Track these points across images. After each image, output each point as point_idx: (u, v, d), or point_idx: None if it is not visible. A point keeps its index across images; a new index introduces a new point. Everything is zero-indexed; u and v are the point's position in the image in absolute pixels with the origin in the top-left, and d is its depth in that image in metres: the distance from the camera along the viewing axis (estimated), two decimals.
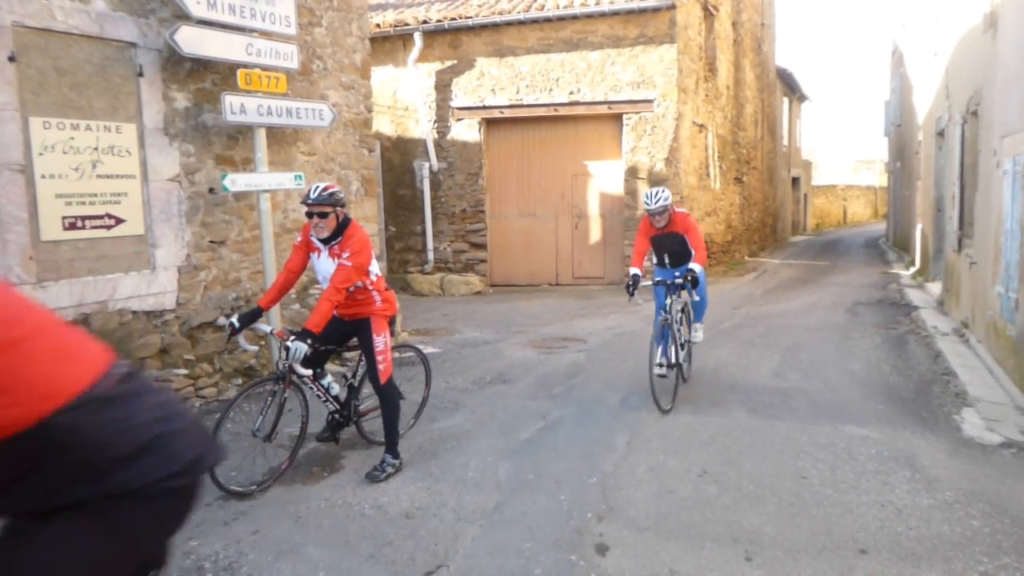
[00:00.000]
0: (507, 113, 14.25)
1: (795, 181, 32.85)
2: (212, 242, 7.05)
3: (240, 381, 7.19)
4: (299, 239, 4.84)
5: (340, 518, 4.32)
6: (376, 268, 4.83)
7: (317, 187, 4.55)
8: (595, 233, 14.46)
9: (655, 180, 13.73)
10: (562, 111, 14.05)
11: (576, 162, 14.38)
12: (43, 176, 5.77)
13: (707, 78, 16.23)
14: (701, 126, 15.67)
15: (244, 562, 3.81)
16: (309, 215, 4.57)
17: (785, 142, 29.25)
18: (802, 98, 32.68)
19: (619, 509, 4.40)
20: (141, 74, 6.41)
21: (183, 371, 6.72)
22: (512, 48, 14.13)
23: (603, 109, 13.91)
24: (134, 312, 6.41)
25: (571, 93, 13.95)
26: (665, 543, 3.96)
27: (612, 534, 4.08)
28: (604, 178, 14.30)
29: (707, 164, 16.39)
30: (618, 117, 13.97)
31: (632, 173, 13.93)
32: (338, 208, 4.57)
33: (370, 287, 4.79)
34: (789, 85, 29.12)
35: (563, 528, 4.16)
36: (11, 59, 5.54)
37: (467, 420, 6.10)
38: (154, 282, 6.56)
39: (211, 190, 6.98)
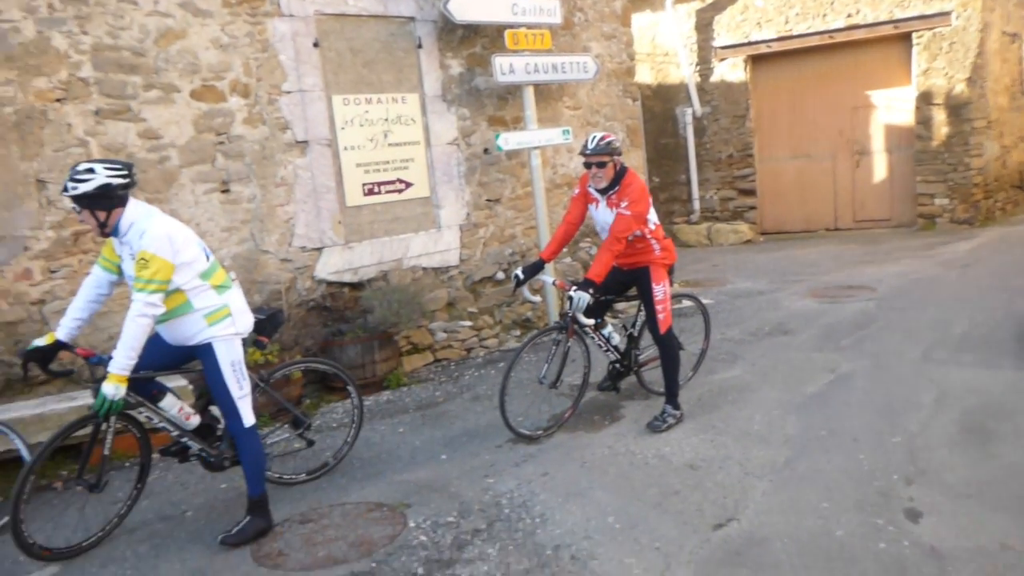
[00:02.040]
0: (775, 47, 13.22)
1: None
2: (488, 200, 7.42)
3: (518, 332, 7.55)
4: (577, 191, 4.89)
5: (624, 466, 4.37)
6: (654, 216, 4.74)
7: (594, 137, 4.55)
8: (880, 171, 13.03)
9: (954, 104, 12.01)
10: (838, 38, 12.72)
11: (856, 93, 12.99)
12: (345, 148, 6.43)
13: None
14: (1014, 35, 13.37)
15: (536, 501, 4.00)
16: (587, 165, 4.58)
17: None
18: None
19: (931, 472, 3.95)
20: (420, 46, 6.85)
21: (468, 323, 7.19)
22: None
23: (888, 30, 12.36)
24: (424, 269, 6.97)
25: (848, 16, 12.58)
26: (993, 514, 3.49)
27: (925, 499, 3.67)
28: (890, 108, 12.78)
29: (1021, 80, 14.00)
30: (906, 37, 12.34)
31: (925, 99, 12.29)
32: (615, 157, 4.53)
33: (648, 235, 4.72)
34: None
35: (865, 489, 3.83)
36: (315, 45, 6.20)
37: (747, 372, 5.85)
38: (440, 240, 7.06)
39: (486, 150, 7.32)
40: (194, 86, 5.62)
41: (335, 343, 6.16)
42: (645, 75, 14.31)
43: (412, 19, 6.81)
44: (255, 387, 4.04)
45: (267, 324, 4.17)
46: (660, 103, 14.39)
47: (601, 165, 4.53)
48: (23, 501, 3.49)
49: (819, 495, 3.81)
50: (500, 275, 7.47)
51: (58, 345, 3.73)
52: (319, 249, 6.29)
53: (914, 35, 12.21)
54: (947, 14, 11.84)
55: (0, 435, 4.34)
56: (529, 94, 7.23)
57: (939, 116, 12.19)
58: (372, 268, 6.61)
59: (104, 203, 3.48)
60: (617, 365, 5.17)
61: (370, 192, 6.61)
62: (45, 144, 5.05)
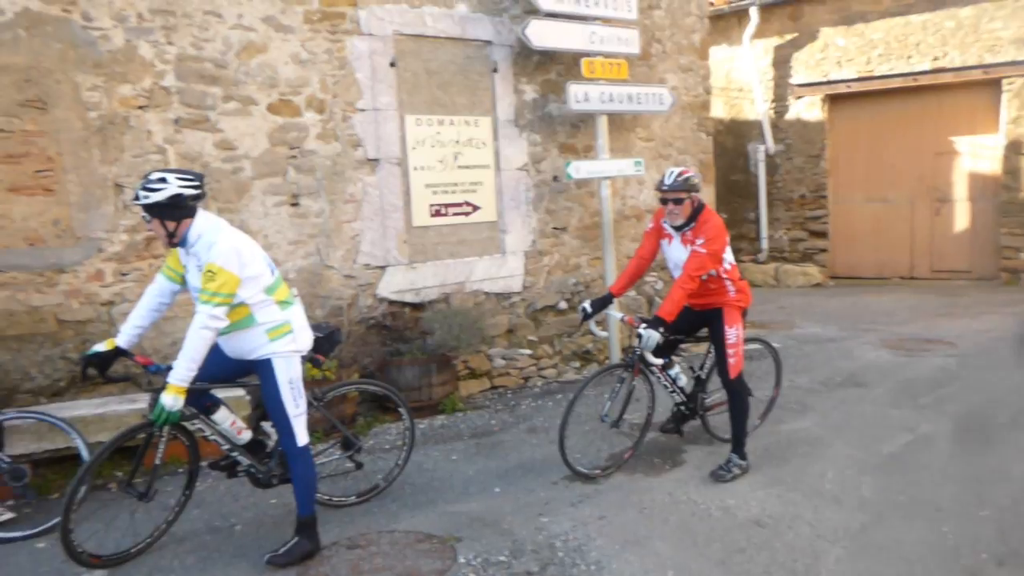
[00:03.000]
0: (855, 87, 12.87)
1: None
2: (555, 228, 7.30)
3: (578, 364, 7.36)
4: (651, 226, 4.72)
5: (685, 515, 4.14)
6: (730, 256, 4.54)
7: (672, 172, 4.39)
8: (961, 220, 12.50)
9: None
10: (923, 80, 12.30)
11: (939, 138, 12.53)
12: (415, 168, 6.40)
13: None
14: None
15: (592, 547, 3.81)
16: (663, 201, 4.42)
17: None
18: None
19: None
20: (495, 70, 6.81)
21: (527, 351, 7.05)
22: (862, 13, 12.70)
23: (976, 75, 11.91)
24: (486, 293, 6.86)
25: (935, 59, 12.17)
26: None
27: None
28: (975, 156, 12.28)
29: None
30: (996, 83, 11.86)
31: (1013, 148, 11.76)
32: (693, 194, 4.37)
33: (724, 276, 4.51)
34: None
35: (950, 566, 3.54)
36: (392, 64, 6.21)
37: (818, 425, 5.55)
38: (504, 266, 6.96)
39: (555, 178, 7.21)
40: (271, 100, 5.67)
41: (393, 363, 6.08)
42: (718, 109, 14.09)
43: (489, 43, 6.78)
44: (309, 404, 3.97)
45: (325, 342, 4.11)
46: (732, 138, 14.13)
47: (678, 202, 4.36)
48: (73, 510, 3.47)
49: (898, 569, 3.53)
50: (563, 304, 7.31)
51: (118, 352, 3.74)
52: (383, 267, 6.25)
53: (1004, 81, 11.74)
54: None
55: (62, 433, 4.37)
56: (602, 123, 7.11)
57: None
58: (434, 289, 6.53)
59: (174, 213, 3.47)
60: (682, 407, 4.96)
61: (437, 213, 6.56)
62: (125, 150, 5.13)
